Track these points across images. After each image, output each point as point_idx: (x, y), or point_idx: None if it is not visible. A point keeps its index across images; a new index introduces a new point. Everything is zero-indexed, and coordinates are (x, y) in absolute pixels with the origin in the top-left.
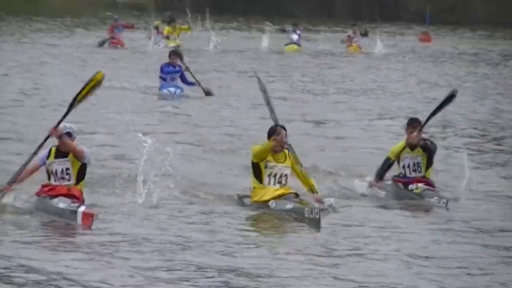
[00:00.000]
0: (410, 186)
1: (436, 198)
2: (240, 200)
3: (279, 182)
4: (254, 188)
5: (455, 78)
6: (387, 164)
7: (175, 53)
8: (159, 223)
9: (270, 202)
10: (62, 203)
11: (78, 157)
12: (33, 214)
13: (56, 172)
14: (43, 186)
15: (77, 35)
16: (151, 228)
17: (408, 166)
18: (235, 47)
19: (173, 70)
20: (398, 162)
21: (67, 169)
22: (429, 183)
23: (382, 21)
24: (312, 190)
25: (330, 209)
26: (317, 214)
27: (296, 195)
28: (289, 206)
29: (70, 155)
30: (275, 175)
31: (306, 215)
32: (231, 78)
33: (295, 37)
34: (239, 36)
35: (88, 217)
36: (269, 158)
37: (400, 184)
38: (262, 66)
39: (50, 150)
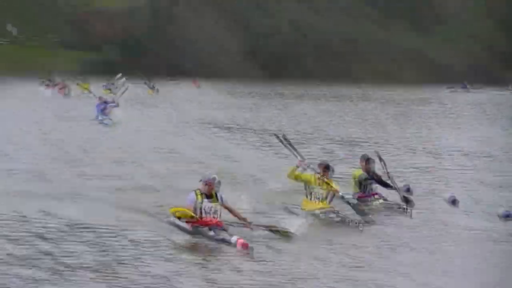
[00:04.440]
0: (370, 199)
1: (398, 208)
2: (288, 209)
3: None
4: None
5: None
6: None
7: (101, 97)
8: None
9: (320, 211)
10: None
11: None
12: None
13: (205, 209)
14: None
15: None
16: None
17: (366, 187)
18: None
19: (103, 106)
20: (360, 186)
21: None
22: (378, 193)
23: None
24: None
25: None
26: (361, 227)
27: (337, 211)
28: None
29: (214, 199)
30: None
31: (351, 225)
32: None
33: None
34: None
35: (243, 246)
36: (314, 184)
37: (361, 199)
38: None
39: (196, 193)
